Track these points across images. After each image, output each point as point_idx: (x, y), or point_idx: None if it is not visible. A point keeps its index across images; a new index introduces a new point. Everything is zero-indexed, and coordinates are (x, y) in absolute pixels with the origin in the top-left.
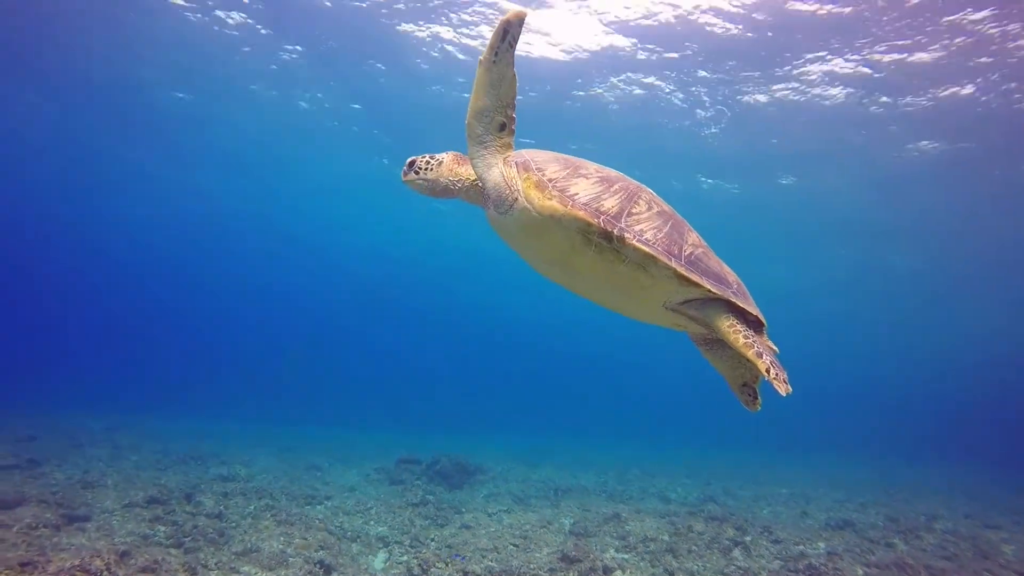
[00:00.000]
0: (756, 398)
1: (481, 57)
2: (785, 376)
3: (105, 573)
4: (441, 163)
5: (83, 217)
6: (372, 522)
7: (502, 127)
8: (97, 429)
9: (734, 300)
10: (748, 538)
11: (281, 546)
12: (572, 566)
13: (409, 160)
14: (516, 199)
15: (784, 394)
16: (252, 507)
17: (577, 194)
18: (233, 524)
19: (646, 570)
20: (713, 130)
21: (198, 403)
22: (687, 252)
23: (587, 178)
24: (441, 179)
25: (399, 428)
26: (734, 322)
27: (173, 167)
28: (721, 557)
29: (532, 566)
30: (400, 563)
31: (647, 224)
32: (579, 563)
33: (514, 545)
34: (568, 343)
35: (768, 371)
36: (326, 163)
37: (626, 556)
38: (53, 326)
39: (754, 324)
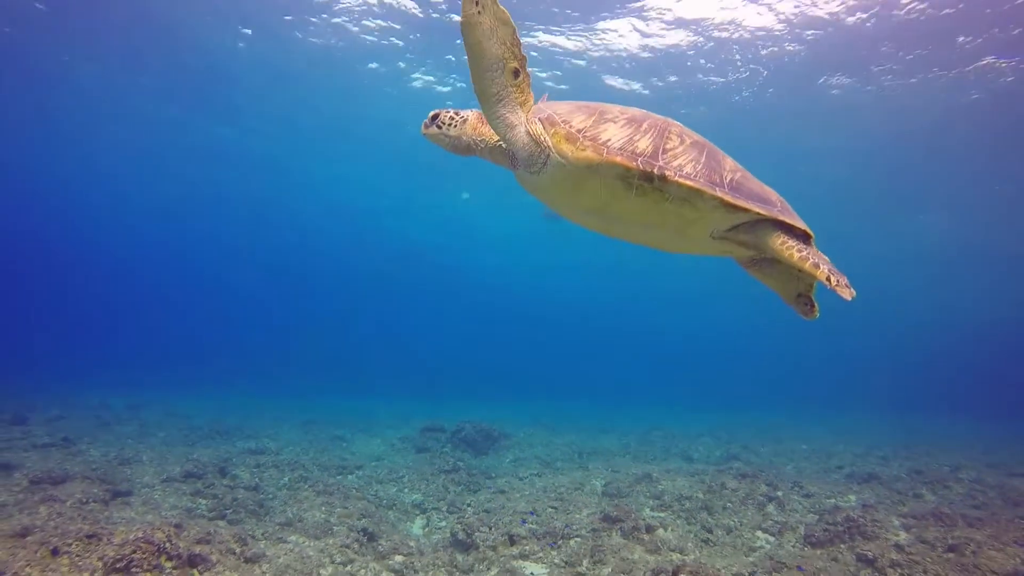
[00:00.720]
0: (813, 306)
1: (463, 15)
2: (846, 281)
3: (167, 544)
4: (466, 121)
5: (102, 196)
6: (406, 490)
7: (516, 73)
8: (120, 407)
9: (782, 218)
10: (779, 493)
11: (324, 515)
12: (614, 525)
13: (432, 113)
14: (548, 156)
15: (849, 298)
16: (287, 479)
17: (609, 140)
18: (271, 496)
19: (683, 527)
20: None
21: (214, 378)
22: (728, 179)
23: (615, 122)
24: (464, 137)
25: (416, 398)
26: (785, 239)
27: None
28: (756, 512)
29: (575, 527)
30: (439, 528)
31: (684, 158)
32: (621, 523)
33: (552, 507)
34: (583, 311)
35: (829, 279)
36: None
37: (663, 515)
38: (68, 303)
39: (802, 237)
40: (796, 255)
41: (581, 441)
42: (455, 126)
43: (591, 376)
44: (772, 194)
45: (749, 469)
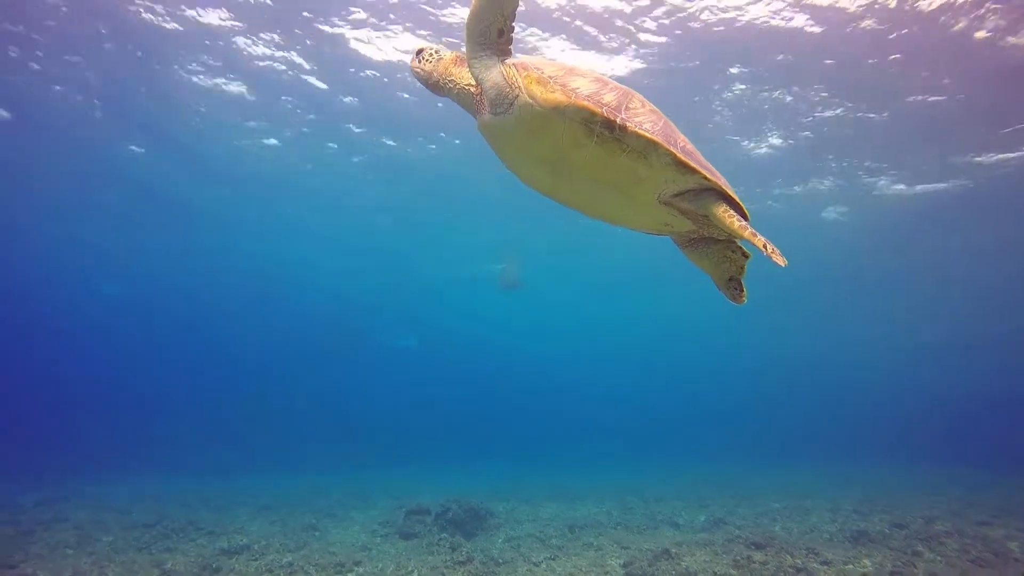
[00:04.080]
0: (742, 291)
1: None
2: (779, 251)
3: None
4: (441, 59)
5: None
6: None
7: (500, 33)
8: (29, 504)
9: (727, 189)
10: (798, 561)
11: None
12: None
13: (418, 48)
14: (518, 96)
15: (783, 264)
16: None
17: (578, 88)
18: None
19: None
20: None
21: (129, 459)
22: (681, 145)
23: (584, 77)
24: (434, 74)
25: (358, 468)
26: (727, 208)
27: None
28: None
29: None
30: None
31: (644, 117)
32: None
33: None
34: (513, 373)
35: (766, 247)
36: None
37: None
38: None
39: (740, 214)
40: (736, 223)
41: (563, 512)
42: (430, 61)
43: (525, 436)
44: (717, 171)
45: (751, 536)
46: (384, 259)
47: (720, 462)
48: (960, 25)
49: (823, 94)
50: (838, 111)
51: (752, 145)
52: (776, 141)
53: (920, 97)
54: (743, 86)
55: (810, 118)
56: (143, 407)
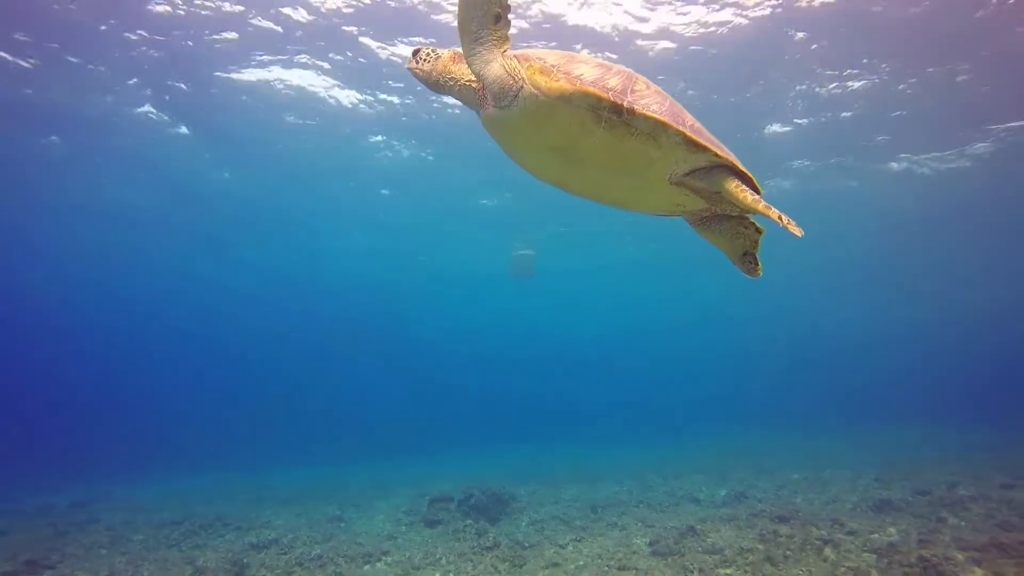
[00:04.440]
0: (757, 264)
1: None
2: (794, 221)
3: None
4: (439, 58)
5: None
6: (451, 574)
7: (497, 18)
8: (64, 507)
9: (737, 164)
10: (824, 532)
11: None
12: None
13: (415, 48)
14: (521, 87)
15: (800, 235)
16: None
17: (582, 75)
18: None
19: None
20: None
21: (155, 458)
22: (689, 124)
23: (586, 63)
24: (434, 74)
25: (377, 457)
26: (739, 182)
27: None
28: (818, 558)
29: None
30: None
31: (650, 99)
32: None
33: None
34: (517, 350)
35: (781, 218)
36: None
37: (730, 571)
38: None
39: (752, 188)
40: (750, 197)
41: (585, 493)
42: (429, 61)
43: (545, 416)
44: (726, 148)
45: (774, 509)
46: (397, 247)
47: (736, 434)
48: None
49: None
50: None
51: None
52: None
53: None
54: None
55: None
56: (164, 406)
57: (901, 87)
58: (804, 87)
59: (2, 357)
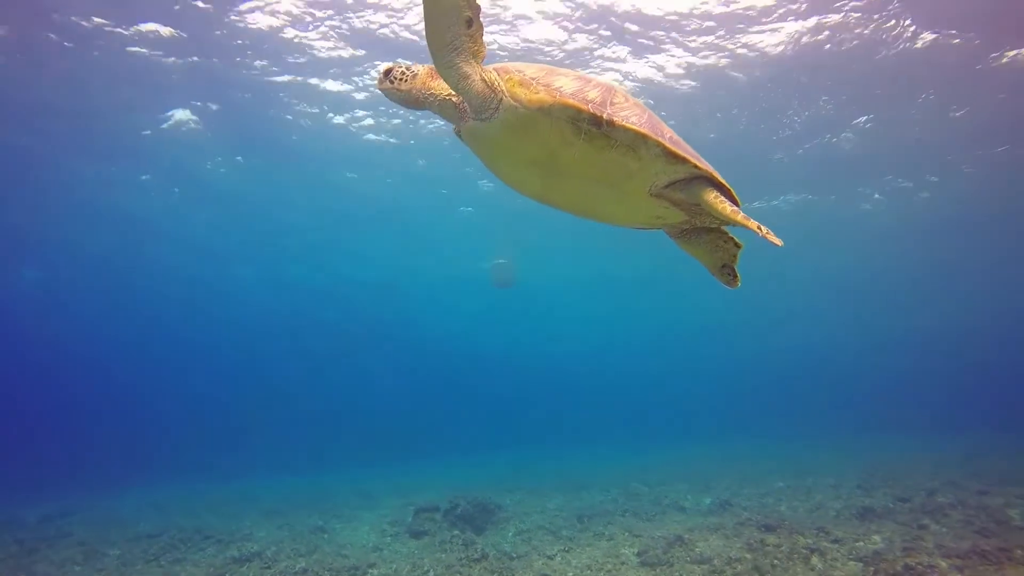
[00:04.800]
0: (735, 276)
1: None
2: (773, 232)
3: None
4: (416, 76)
5: None
6: None
7: (469, 22)
8: (32, 521)
9: (717, 176)
10: (810, 541)
11: None
12: None
13: (385, 68)
14: (501, 100)
15: (779, 244)
16: None
17: (562, 87)
18: None
19: None
20: None
21: (130, 467)
22: (668, 135)
23: (565, 76)
24: (413, 91)
25: (358, 466)
26: (718, 194)
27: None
28: (805, 567)
29: None
30: None
31: (630, 112)
32: None
33: None
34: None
35: (760, 228)
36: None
37: None
38: None
39: (731, 200)
40: (728, 208)
41: (570, 502)
42: (406, 80)
43: (525, 426)
44: (706, 160)
45: (759, 518)
46: (384, 258)
47: (717, 442)
48: None
49: None
50: None
51: None
52: None
53: None
54: None
55: None
56: (139, 413)
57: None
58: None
59: None
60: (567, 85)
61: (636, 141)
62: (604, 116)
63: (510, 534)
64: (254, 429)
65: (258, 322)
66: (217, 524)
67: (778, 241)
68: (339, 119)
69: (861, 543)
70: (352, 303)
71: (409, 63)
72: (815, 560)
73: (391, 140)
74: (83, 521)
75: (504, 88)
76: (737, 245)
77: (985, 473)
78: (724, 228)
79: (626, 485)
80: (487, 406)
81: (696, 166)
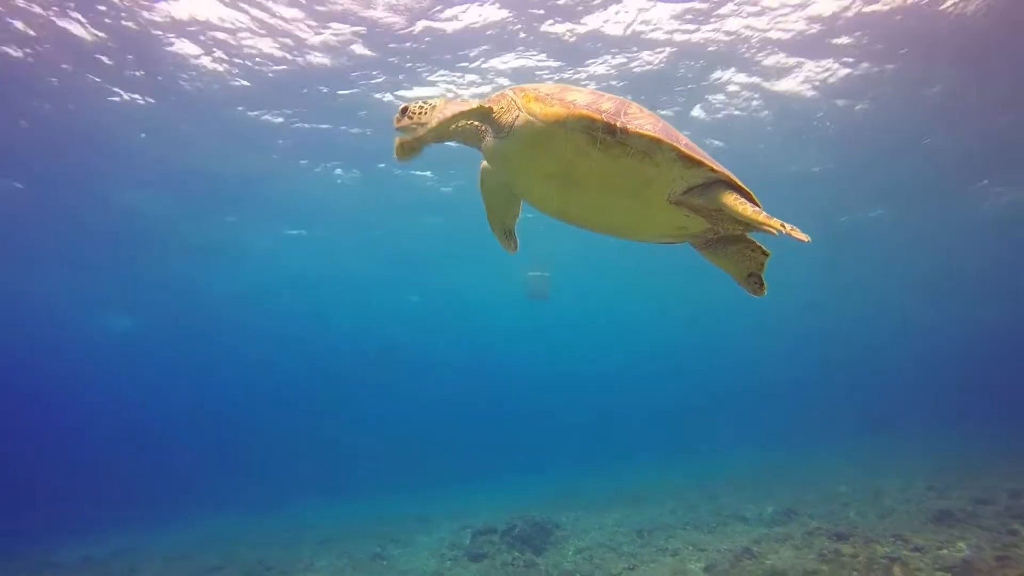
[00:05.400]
0: (762, 285)
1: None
2: (798, 228)
3: None
4: (434, 108)
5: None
6: None
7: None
8: (103, 557)
9: (734, 179)
10: (888, 549)
11: None
12: None
13: (402, 107)
14: (518, 116)
15: (806, 241)
16: None
17: (576, 100)
18: None
19: None
20: None
21: (187, 500)
22: (683, 141)
23: (580, 91)
24: (435, 125)
25: (406, 489)
26: (738, 196)
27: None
28: None
29: None
30: None
31: (644, 120)
32: None
33: None
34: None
35: (783, 226)
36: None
37: None
38: None
39: (752, 204)
40: (750, 209)
41: (628, 517)
42: (425, 113)
43: (576, 442)
44: (721, 164)
45: (828, 526)
46: (423, 271)
47: (765, 449)
48: None
49: None
50: None
51: None
52: None
53: None
54: None
55: None
56: (193, 446)
57: None
58: None
59: (26, 410)
60: (581, 99)
61: (651, 147)
62: (618, 124)
63: (570, 553)
64: (305, 456)
65: (306, 347)
66: (277, 555)
67: (804, 237)
68: None
69: (945, 551)
70: (403, 326)
71: (424, 99)
72: (897, 571)
73: None
74: (149, 557)
75: (520, 104)
76: (765, 253)
77: None
78: (750, 236)
79: (682, 496)
80: (536, 426)
81: (713, 169)
